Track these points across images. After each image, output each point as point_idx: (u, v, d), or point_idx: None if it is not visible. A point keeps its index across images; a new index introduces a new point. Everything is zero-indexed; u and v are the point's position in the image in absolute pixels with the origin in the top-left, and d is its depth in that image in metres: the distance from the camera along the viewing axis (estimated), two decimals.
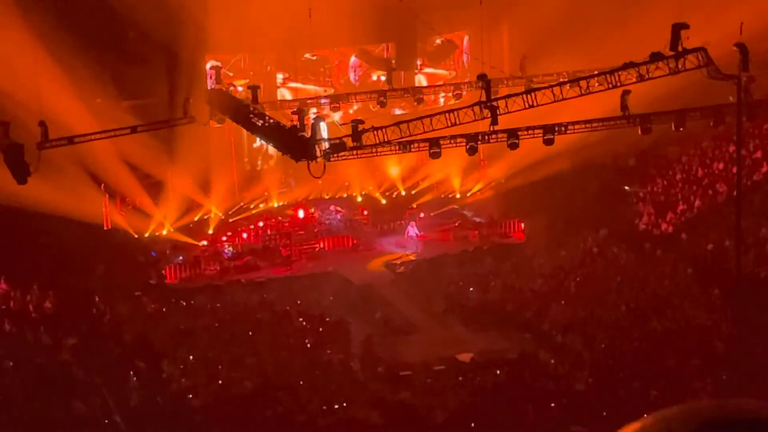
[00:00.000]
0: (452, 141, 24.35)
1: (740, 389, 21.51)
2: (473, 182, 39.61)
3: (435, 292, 31.67)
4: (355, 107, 35.35)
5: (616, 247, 32.11)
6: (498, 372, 25.67)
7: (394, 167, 38.88)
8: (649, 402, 23.04)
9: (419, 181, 39.74)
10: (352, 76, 40.16)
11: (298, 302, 30.77)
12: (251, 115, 26.36)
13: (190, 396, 24.95)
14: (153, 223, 35.72)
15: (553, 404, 23.74)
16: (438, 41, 40.69)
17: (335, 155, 22.98)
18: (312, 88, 38.96)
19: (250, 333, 28.32)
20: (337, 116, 33.78)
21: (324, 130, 23.16)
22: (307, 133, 23.20)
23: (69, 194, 31.41)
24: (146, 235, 35.39)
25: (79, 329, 27.93)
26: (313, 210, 38.55)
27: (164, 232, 35.84)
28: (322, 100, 33.87)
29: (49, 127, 26.31)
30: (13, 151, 24.38)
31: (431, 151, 24.41)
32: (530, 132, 24.66)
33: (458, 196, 39.49)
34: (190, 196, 36.95)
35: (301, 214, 38.01)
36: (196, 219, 36.78)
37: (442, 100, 37.38)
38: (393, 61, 39.33)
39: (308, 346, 27.79)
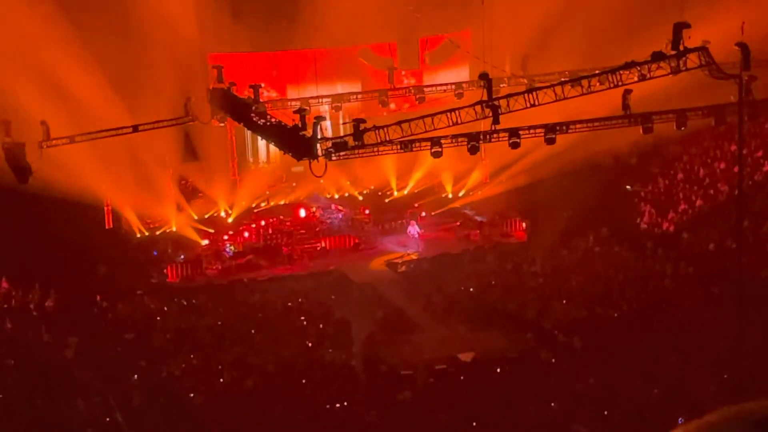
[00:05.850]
0: (454, 140, 24.34)
1: (741, 389, 21.48)
2: (474, 181, 39.56)
3: (436, 291, 31.65)
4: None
5: (617, 246, 32.11)
6: (499, 371, 25.67)
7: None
8: (650, 401, 23.05)
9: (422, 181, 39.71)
10: None
11: (300, 301, 30.78)
12: (253, 114, 26.39)
13: (192, 395, 24.96)
14: (155, 222, 35.73)
15: (554, 403, 23.73)
16: None
17: (337, 154, 22.99)
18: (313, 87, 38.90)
19: (252, 332, 28.34)
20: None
21: (318, 131, 23.18)
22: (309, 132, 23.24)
23: (70, 193, 31.41)
24: (147, 233, 35.40)
25: (81, 328, 27.95)
26: (314, 209, 38.55)
27: (166, 231, 35.84)
28: (324, 99, 33.88)
29: (50, 125, 26.37)
30: (14, 150, 24.40)
31: (432, 150, 24.39)
32: (532, 131, 24.66)
33: (461, 194, 39.44)
34: (191, 196, 36.94)
35: (302, 213, 38.00)
36: (196, 218, 36.76)
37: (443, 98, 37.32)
38: (394, 60, 39.29)
39: (309, 345, 27.79)
